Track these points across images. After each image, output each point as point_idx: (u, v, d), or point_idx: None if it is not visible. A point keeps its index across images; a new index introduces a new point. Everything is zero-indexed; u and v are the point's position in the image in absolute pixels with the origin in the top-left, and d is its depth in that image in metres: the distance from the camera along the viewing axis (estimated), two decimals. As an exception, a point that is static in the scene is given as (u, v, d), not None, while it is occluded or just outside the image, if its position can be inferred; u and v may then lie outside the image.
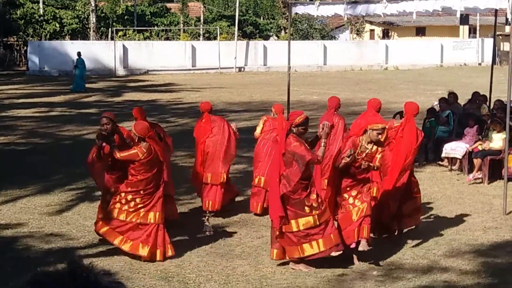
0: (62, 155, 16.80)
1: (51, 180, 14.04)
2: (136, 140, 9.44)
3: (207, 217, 10.77)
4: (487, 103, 17.19)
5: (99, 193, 10.74)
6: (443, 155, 15.22)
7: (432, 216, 11.65)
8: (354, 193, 9.28)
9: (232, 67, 44.44)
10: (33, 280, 2.00)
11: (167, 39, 50.91)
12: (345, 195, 9.31)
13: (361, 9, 15.31)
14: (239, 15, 49.08)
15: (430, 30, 56.48)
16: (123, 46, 43.79)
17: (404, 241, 10.15)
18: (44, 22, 48.95)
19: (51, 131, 20.71)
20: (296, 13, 18.30)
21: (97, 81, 37.31)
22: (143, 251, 9.26)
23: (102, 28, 50.09)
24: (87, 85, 34.69)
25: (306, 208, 8.85)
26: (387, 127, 9.78)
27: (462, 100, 17.55)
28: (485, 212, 11.93)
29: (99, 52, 43.07)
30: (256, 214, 11.59)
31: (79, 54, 34.36)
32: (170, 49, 44.84)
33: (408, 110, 10.33)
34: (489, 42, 46.69)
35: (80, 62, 33.62)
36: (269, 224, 11.22)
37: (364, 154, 9.22)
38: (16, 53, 47.08)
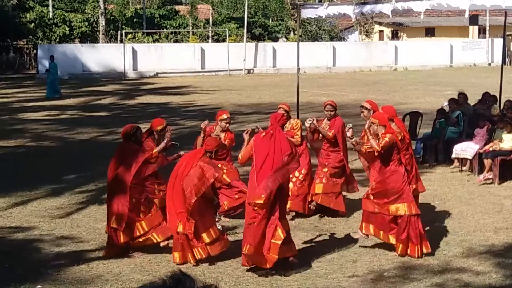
0: (72, 158, 16.84)
1: (61, 183, 14.08)
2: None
3: (217, 219, 10.77)
4: (497, 103, 17.13)
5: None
6: (453, 155, 15.16)
7: (443, 217, 11.61)
8: None
9: (241, 69, 44.45)
10: None
11: (176, 41, 51.01)
12: None
13: (368, 7, 15.31)
14: (248, 17, 49.09)
15: (440, 31, 56.36)
16: (133, 49, 43.90)
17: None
18: (53, 26, 49.15)
19: (61, 134, 20.76)
20: (307, 17, 18.26)
21: (107, 84, 37.40)
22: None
23: (111, 31, 50.25)
24: (97, 88, 34.77)
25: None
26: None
27: (472, 101, 17.48)
28: (496, 212, 11.89)
29: (108, 55, 43.21)
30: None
31: (51, 58, 32.89)
32: (180, 52, 44.92)
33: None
34: (498, 42, 46.53)
35: (52, 66, 32.00)
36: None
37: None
38: (26, 57, 47.28)
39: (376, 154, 9.56)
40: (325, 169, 11.54)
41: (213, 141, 9.83)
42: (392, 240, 9.58)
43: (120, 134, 10.74)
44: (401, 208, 9.48)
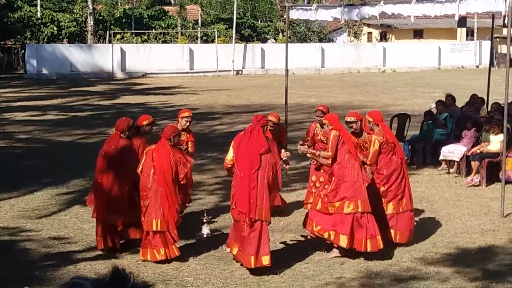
0: (58, 158, 16.77)
1: (48, 184, 14.00)
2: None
3: (205, 220, 10.75)
4: (485, 105, 17.20)
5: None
6: (441, 157, 15.22)
7: (430, 219, 11.65)
8: None
9: (230, 70, 44.42)
10: (72, 283, 2.00)
11: (165, 42, 50.89)
12: None
13: (357, 12, 15.29)
14: (236, 18, 49.04)
15: (428, 33, 56.50)
16: (121, 49, 43.77)
17: (402, 244, 10.14)
18: (42, 25, 48.92)
19: (47, 134, 20.67)
20: (297, 19, 18.24)
21: (96, 84, 37.29)
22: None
23: (100, 31, 50.07)
24: (85, 88, 34.62)
25: None
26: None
27: (460, 103, 17.55)
28: (483, 214, 11.93)
29: (97, 55, 43.07)
30: None
31: None
32: (168, 52, 44.82)
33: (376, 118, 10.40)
34: (486, 44, 46.70)
35: None
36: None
37: None
38: (14, 56, 47.03)
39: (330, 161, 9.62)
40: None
41: (170, 128, 9.84)
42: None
43: (104, 132, 10.74)
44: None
